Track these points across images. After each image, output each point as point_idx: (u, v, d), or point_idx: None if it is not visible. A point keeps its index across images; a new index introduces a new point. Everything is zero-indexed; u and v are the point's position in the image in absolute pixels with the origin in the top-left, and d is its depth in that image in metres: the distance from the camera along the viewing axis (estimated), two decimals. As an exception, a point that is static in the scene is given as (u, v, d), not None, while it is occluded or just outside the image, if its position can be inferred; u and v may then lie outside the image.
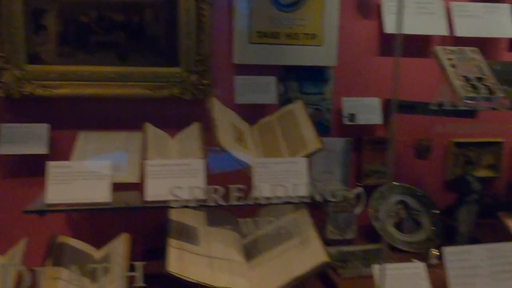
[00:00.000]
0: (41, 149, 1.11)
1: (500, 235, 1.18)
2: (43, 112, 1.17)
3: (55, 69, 1.14)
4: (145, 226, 1.19)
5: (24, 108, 1.16)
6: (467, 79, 1.04)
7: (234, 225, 1.07)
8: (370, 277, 0.96)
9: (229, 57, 1.26)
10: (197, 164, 0.90)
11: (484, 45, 1.39)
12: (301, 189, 0.86)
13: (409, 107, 1.17)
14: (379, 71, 1.36)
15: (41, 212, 0.84)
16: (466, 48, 1.15)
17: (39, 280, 0.79)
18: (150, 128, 1.09)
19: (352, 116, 1.30)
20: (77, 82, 1.15)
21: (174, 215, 1.04)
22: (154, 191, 0.86)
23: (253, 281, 0.94)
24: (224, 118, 1.07)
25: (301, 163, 0.92)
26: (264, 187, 0.85)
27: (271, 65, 1.27)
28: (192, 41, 1.19)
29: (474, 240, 1.17)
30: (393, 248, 1.22)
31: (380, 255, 1.16)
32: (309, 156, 0.97)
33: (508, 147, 1.48)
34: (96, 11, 1.15)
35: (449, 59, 1.09)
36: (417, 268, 0.97)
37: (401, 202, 1.34)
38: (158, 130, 1.12)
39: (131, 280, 0.89)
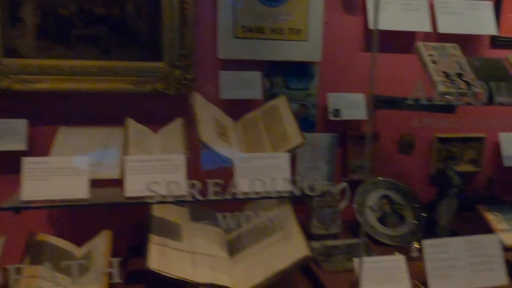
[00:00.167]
0: (20, 145, 1.08)
1: (479, 228, 1.21)
2: (22, 107, 1.14)
3: (34, 63, 1.11)
4: (129, 223, 1.18)
5: (1, 103, 1.13)
6: (447, 75, 1.05)
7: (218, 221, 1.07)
8: (352, 270, 0.97)
9: (214, 52, 1.24)
10: (178, 160, 0.89)
11: (467, 41, 1.41)
12: (280, 184, 0.86)
13: (392, 103, 1.18)
14: (364, 66, 1.36)
15: (16, 209, 0.82)
16: (447, 44, 1.17)
17: (12, 278, 0.77)
18: (132, 124, 1.08)
19: (337, 112, 1.31)
20: (57, 77, 1.13)
21: (157, 211, 1.03)
22: (134, 187, 0.85)
23: (235, 276, 0.94)
24: (206, 113, 1.06)
25: (283, 158, 0.92)
26: (243, 182, 0.85)
27: (256, 60, 1.26)
28: (175, 35, 1.17)
29: (454, 233, 1.20)
30: (376, 242, 1.24)
31: (363, 249, 1.17)
32: (291, 151, 0.97)
33: (489, 142, 1.51)
34: (76, 4, 1.12)
35: (430, 55, 1.10)
36: (397, 261, 0.98)
37: (385, 196, 1.35)
38: (140, 126, 1.11)
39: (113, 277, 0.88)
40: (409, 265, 1.00)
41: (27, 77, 1.11)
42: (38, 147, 1.11)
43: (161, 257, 0.88)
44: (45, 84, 1.12)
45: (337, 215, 1.27)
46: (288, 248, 0.93)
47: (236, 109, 1.24)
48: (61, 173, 0.84)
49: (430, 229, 1.28)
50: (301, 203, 1.28)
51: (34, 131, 1.13)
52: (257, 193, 0.85)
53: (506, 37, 1.44)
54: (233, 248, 1.05)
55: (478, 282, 1.01)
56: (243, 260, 0.99)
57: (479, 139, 1.49)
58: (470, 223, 1.30)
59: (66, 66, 1.13)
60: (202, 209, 1.11)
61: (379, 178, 1.37)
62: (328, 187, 1.26)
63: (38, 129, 1.14)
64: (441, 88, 1.01)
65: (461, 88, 1.01)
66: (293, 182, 0.89)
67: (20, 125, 1.09)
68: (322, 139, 1.35)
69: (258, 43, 1.24)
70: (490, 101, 1.05)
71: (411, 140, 1.38)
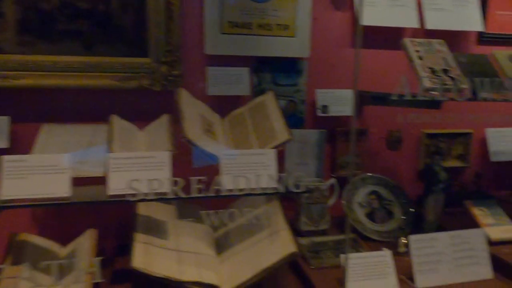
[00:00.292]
0: (2, 143, 1.06)
1: (465, 222, 1.22)
2: (3, 104, 1.11)
3: (15, 58, 1.09)
4: (117, 221, 1.16)
5: (-17, 100, 1.10)
6: (433, 71, 1.05)
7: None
8: (340, 266, 0.97)
9: (201, 48, 1.23)
10: (163, 157, 0.88)
11: (455, 38, 1.41)
12: (265, 181, 0.85)
13: (379, 99, 1.18)
14: (353, 63, 1.36)
15: (-6, 208, 0.80)
16: (433, 40, 1.17)
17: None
18: (117, 120, 1.06)
19: (325, 108, 1.30)
20: (39, 73, 1.11)
21: (143, 209, 1.02)
22: (117, 185, 0.84)
23: (222, 273, 0.93)
24: (192, 110, 1.05)
25: (269, 155, 0.92)
26: (228, 179, 0.84)
27: (244, 56, 1.25)
28: (161, 30, 1.16)
29: (441, 228, 1.21)
30: (365, 238, 1.24)
31: (352, 245, 1.18)
32: (277, 147, 0.96)
33: (477, 137, 1.52)
34: (58, -2, 1.09)
35: (417, 51, 1.10)
36: (384, 256, 0.99)
37: (374, 192, 1.36)
38: (125, 122, 1.09)
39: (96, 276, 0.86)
40: (397, 261, 1.01)
41: (8, 73, 1.08)
42: (21, 144, 1.08)
43: (146, 256, 0.87)
44: (27, 80, 1.09)
45: (326, 211, 1.27)
46: (275, 245, 0.93)
47: (224, 105, 1.23)
48: (42, 171, 0.82)
49: (417, 225, 1.29)
50: (290, 200, 1.27)
51: (16, 128, 1.10)
52: (241, 190, 0.84)
53: (493, 34, 1.45)
54: (221, 245, 1.04)
55: (463, 277, 1.02)
56: (230, 257, 0.98)
57: (467, 135, 1.50)
58: (457, 218, 1.31)
59: (49, 62, 1.11)
60: (189, 206, 1.10)
61: (368, 174, 1.37)
62: (317, 183, 1.26)
63: (20, 126, 1.11)
64: (426, 83, 1.01)
65: (446, 84, 1.02)
66: (280, 178, 0.89)
67: (2, 122, 1.07)
68: (311, 135, 1.35)
69: (246, 38, 1.23)
70: (474, 96, 1.06)
71: (399, 136, 1.38)
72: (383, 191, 1.36)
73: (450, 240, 1.02)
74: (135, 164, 0.86)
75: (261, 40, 1.24)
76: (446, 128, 1.48)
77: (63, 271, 0.88)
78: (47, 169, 0.82)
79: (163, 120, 1.10)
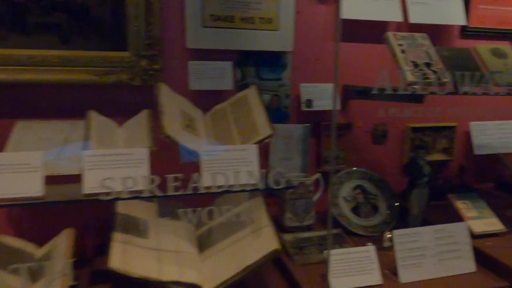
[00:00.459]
0: (-27, 140, 1.01)
1: (449, 216, 1.23)
2: (-26, 100, 1.07)
3: (-14, 52, 1.04)
4: (96, 220, 1.13)
5: (-48, 96, 1.05)
6: (415, 64, 1.05)
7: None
8: (324, 262, 0.97)
9: (182, 41, 1.20)
10: (141, 154, 0.85)
11: (438, 32, 1.42)
12: (245, 177, 0.83)
13: (364, 93, 1.17)
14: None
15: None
16: (416, 34, 1.17)
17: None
18: (95, 116, 1.02)
19: (309, 102, 1.29)
20: (13, 67, 1.06)
21: (122, 207, 0.99)
22: (93, 184, 0.81)
23: (204, 272, 0.92)
24: (173, 105, 1.02)
25: (250, 150, 0.90)
26: (206, 176, 0.82)
27: (227, 49, 1.23)
28: (141, 23, 1.12)
29: (426, 222, 1.21)
30: (350, 233, 1.24)
31: (336, 240, 1.17)
32: (260, 142, 0.95)
33: (461, 131, 1.53)
34: (31, -11, 1.05)
35: (400, 44, 1.10)
36: (368, 251, 0.98)
37: (359, 187, 1.36)
38: (103, 118, 1.06)
39: (74, 277, 0.84)
40: (382, 255, 1.01)
41: (-21, 68, 1.03)
42: (-7, 142, 1.04)
43: (124, 256, 0.84)
44: (0, 75, 1.05)
45: (311, 207, 1.26)
46: (258, 242, 0.91)
47: (207, 100, 1.20)
48: (12, 169, 0.79)
49: (402, 219, 1.29)
50: (275, 196, 1.26)
51: (-12, 126, 1.06)
52: (220, 187, 0.82)
53: (475, 28, 1.46)
54: (203, 243, 1.02)
55: (446, 271, 1.03)
56: (212, 255, 0.96)
57: (451, 128, 1.51)
58: (441, 211, 1.32)
59: (23, 56, 1.07)
60: (171, 204, 1.07)
61: (353, 168, 1.37)
62: (301, 178, 1.25)
63: (-7, 123, 1.07)
64: (409, 77, 1.01)
65: (427, 78, 1.01)
66: (262, 175, 0.87)
67: (-27, 119, 1.03)
68: (296, 130, 1.34)
69: (228, 32, 1.21)
70: (456, 90, 1.06)
71: (384, 130, 1.38)
72: (368, 185, 1.36)
73: (434, 234, 1.02)
74: (112, 161, 0.83)
75: (244, 34, 1.22)
76: (430, 122, 1.49)
77: (37, 273, 0.85)
78: (18, 167, 0.79)
79: (143, 116, 1.07)
